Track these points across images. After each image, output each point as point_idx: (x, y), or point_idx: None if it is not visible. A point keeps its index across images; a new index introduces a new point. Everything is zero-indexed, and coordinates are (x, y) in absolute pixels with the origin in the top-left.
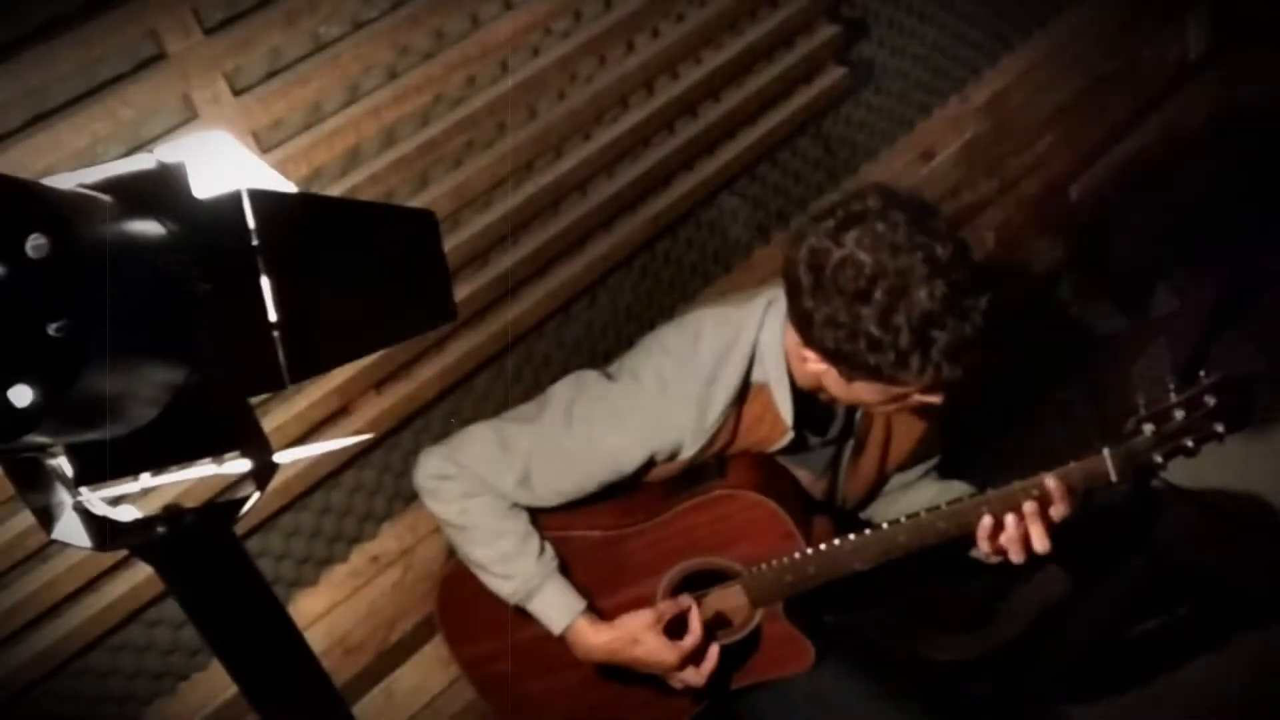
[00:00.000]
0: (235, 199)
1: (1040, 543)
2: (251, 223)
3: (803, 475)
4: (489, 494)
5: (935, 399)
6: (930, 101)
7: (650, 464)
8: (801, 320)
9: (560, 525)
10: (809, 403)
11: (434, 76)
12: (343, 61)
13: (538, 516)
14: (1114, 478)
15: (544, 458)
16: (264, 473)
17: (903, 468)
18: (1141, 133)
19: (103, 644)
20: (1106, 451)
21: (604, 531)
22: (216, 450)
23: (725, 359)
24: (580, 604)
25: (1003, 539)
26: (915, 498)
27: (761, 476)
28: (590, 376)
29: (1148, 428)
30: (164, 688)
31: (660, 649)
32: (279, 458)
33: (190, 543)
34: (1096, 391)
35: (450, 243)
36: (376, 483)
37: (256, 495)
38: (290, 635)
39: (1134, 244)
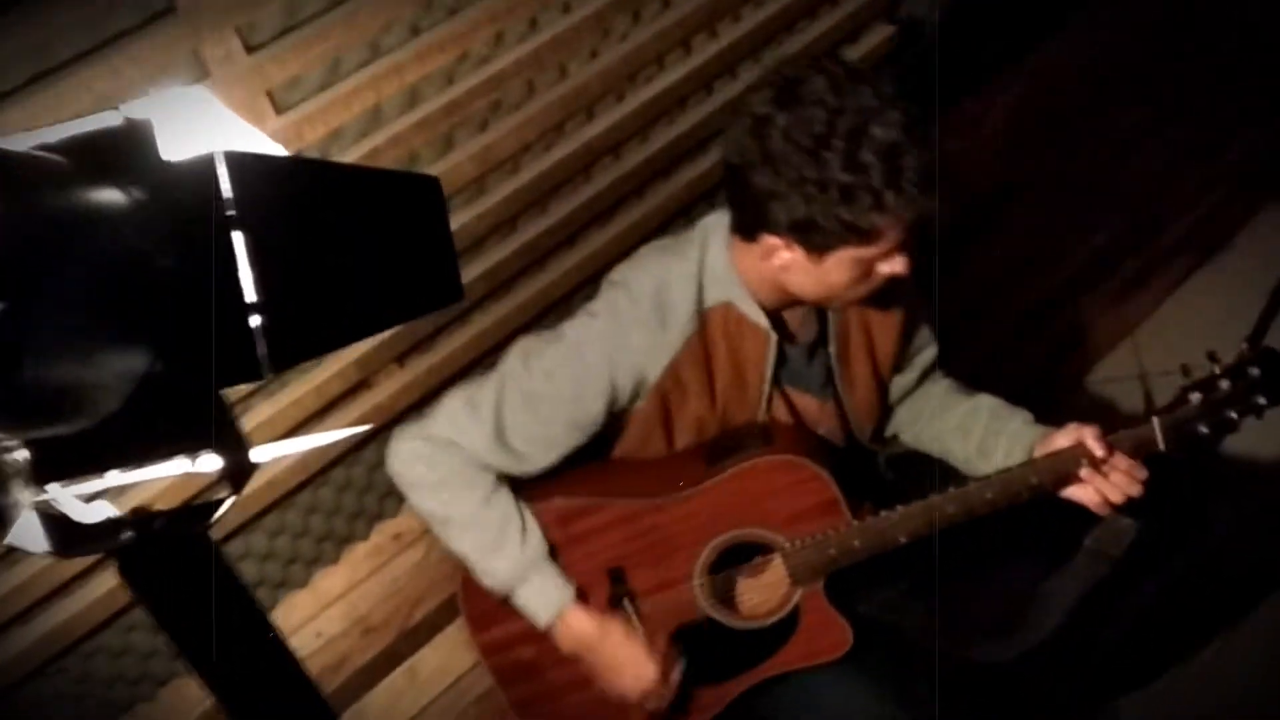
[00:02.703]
0: (209, 163)
1: (1116, 495)
2: (228, 190)
3: (808, 403)
4: (461, 481)
5: (900, 266)
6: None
7: (615, 402)
8: (756, 206)
9: (597, 491)
10: (774, 320)
11: (459, 33)
12: (362, 17)
13: (571, 482)
14: (1162, 446)
15: (511, 408)
16: (239, 473)
17: (897, 368)
18: (1193, 108)
19: (114, 624)
20: (1155, 420)
21: (643, 499)
22: (185, 447)
23: (669, 280)
24: (568, 593)
25: (1076, 495)
26: (943, 422)
27: (808, 445)
28: (547, 330)
29: (1194, 396)
30: (178, 668)
31: (648, 661)
32: (258, 455)
33: (161, 549)
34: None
35: (476, 209)
36: None
37: (232, 498)
38: (276, 650)
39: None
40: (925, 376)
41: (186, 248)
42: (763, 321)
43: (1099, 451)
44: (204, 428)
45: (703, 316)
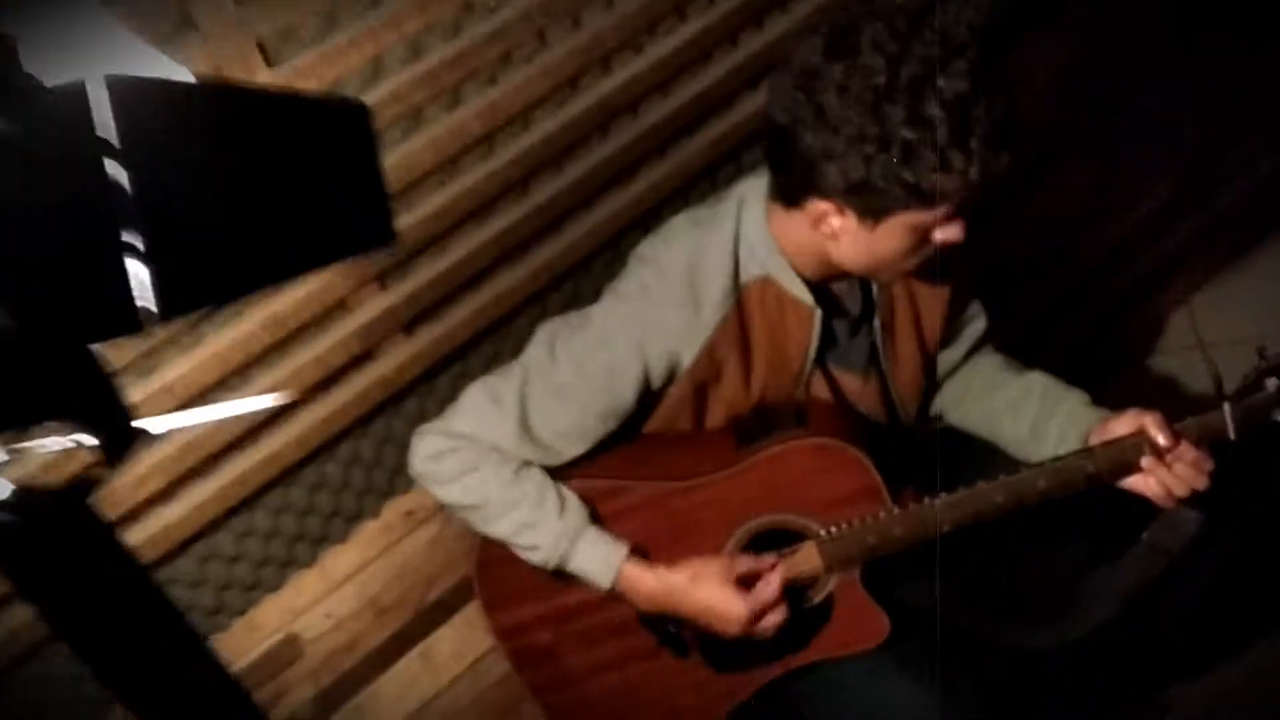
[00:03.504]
0: (80, 84)
1: (1180, 488)
2: (107, 116)
3: (850, 381)
4: (489, 463)
5: (957, 233)
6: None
7: (648, 387)
8: (806, 168)
9: (621, 473)
10: (817, 293)
11: None
12: None
13: (591, 463)
14: (1233, 435)
15: (536, 400)
16: (117, 443)
17: (944, 343)
18: (1258, 60)
19: None
20: (1226, 407)
21: (669, 482)
22: (51, 413)
23: (702, 255)
24: (622, 549)
25: (1137, 485)
26: (992, 401)
27: (846, 427)
28: (572, 313)
29: (1270, 382)
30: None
31: (728, 596)
32: (151, 424)
33: (45, 532)
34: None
35: (485, 169)
36: (409, 434)
37: (113, 474)
38: (185, 639)
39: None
40: (973, 351)
41: (56, 181)
42: (806, 297)
43: (1163, 440)
44: (76, 390)
45: (740, 293)
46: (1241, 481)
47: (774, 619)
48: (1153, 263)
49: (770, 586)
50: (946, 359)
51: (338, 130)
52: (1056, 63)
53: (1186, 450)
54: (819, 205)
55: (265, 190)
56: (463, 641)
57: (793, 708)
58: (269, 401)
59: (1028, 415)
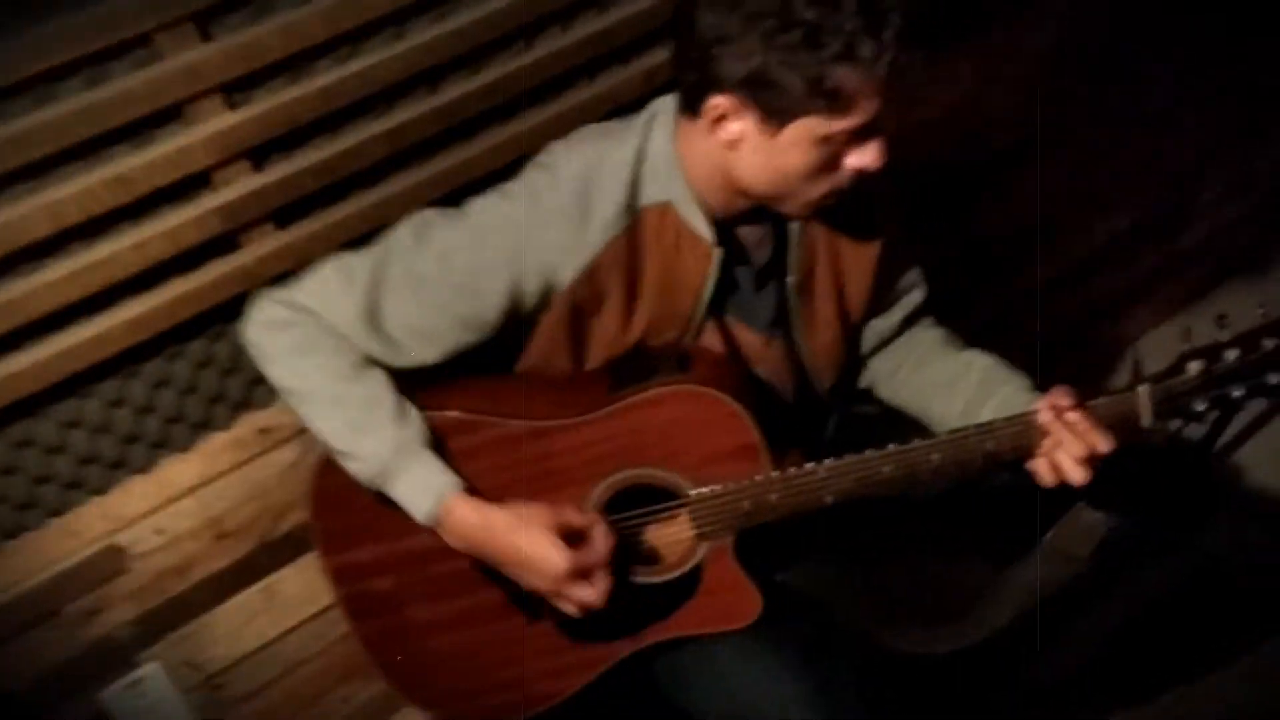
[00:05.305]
0: None
1: (1075, 475)
2: None
3: (750, 340)
4: (326, 348)
5: (871, 157)
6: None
7: (517, 304)
8: (703, 58)
9: (476, 406)
10: (722, 234)
11: None
12: None
13: (444, 391)
14: (1145, 421)
15: (391, 286)
16: None
17: (873, 310)
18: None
19: None
20: (1142, 389)
21: (528, 421)
22: None
23: (600, 167)
24: (451, 480)
25: (1031, 464)
26: (925, 376)
27: (730, 378)
28: (452, 207)
29: (1193, 365)
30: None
31: (549, 545)
32: None
33: None
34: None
35: (387, 52)
36: None
37: None
38: None
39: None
40: (911, 322)
41: None
42: (706, 232)
43: (1068, 417)
44: None
45: (634, 216)
46: (1168, 493)
47: (592, 590)
48: (1103, 294)
49: (597, 549)
50: (878, 328)
51: None
52: (1033, 52)
53: (1080, 422)
54: (717, 103)
55: None
56: (313, 585)
57: (657, 686)
58: None
59: (962, 395)
